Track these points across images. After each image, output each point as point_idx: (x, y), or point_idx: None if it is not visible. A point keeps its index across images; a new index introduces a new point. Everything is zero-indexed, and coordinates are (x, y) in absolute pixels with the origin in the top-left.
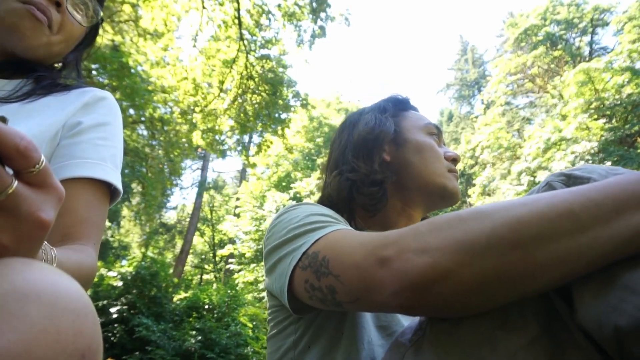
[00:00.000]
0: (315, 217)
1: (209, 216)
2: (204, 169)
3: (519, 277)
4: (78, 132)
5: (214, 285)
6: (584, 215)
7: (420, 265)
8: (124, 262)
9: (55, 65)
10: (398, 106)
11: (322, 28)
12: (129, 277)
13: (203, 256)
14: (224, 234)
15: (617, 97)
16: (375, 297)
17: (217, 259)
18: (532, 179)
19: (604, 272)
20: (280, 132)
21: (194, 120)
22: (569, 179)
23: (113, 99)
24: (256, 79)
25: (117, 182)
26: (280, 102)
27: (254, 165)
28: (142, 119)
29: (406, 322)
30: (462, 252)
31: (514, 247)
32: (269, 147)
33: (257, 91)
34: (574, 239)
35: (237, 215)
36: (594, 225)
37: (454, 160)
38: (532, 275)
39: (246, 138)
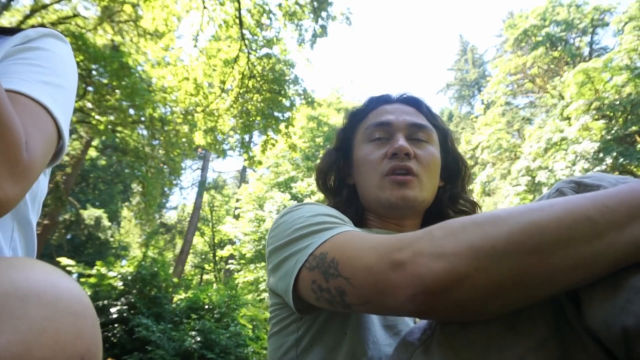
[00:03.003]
0: (321, 217)
1: (209, 216)
2: (204, 169)
3: (535, 282)
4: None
5: (214, 286)
6: (600, 221)
7: (436, 270)
8: (124, 262)
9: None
10: (354, 119)
11: (323, 27)
12: (129, 277)
13: (203, 256)
14: (224, 235)
15: (616, 97)
16: (387, 301)
17: (217, 259)
18: (531, 179)
19: (612, 275)
20: (284, 130)
21: (195, 121)
22: (579, 186)
23: (62, 40)
24: (258, 78)
25: (30, 91)
26: (283, 100)
27: (259, 164)
28: (142, 119)
29: (411, 321)
30: (478, 257)
31: (530, 252)
32: (273, 145)
33: (260, 90)
34: (590, 245)
35: (237, 217)
36: (609, 231)
37: (394, 155)
38: (547, 280)
39: (247, 137)
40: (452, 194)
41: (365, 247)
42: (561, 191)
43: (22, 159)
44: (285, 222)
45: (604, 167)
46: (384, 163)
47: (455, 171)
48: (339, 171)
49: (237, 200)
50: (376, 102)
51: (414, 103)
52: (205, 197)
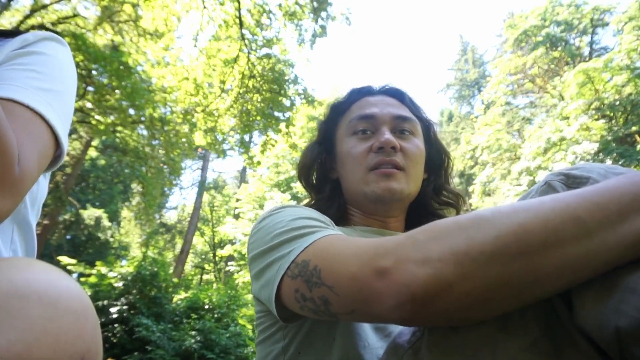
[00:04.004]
0: (302, 221)
1: (209, 216)
2: (204, 169)
3: (524, 286)
4: None
5: (214, 286)
6: (590, 220)
7: (422, 277)
8: (124, 262)
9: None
10: (336, 111)
11: (323, 27)
12: (129, 277)
13: (203, 256)
14: (224, 235)
15: (617, 97)
16: (373, 309)
17: (217, 259)
18: (531, 178)
19: (604, 275)
20: (285, 130)
21: (194, 121)
22: (568, 179)
23: (60, 43)
24: (258, 78)
25: (26, 99)
26: (283, 99)
27: (258, 164)
28: (142, 119)
29: None
30: (465, 262)
31: (518, 255)
32: (273, 145)
33: (260, 90)
34: (580, 245)
35: (237, 217)
36: (599, 230)
37: (380, 148)
38: (537, 283)
39: (247, 137)
40: (436, 185)
41: (348, 253)
42: (550, 184)
43: (14, 174)
44: (265, 227)
45: None
46: (369, 157)
47: (438, 162)
48: (321, 165)
49: (238, 200)
50: (358, 94)
51: (396, 94)
52: (205, 197)
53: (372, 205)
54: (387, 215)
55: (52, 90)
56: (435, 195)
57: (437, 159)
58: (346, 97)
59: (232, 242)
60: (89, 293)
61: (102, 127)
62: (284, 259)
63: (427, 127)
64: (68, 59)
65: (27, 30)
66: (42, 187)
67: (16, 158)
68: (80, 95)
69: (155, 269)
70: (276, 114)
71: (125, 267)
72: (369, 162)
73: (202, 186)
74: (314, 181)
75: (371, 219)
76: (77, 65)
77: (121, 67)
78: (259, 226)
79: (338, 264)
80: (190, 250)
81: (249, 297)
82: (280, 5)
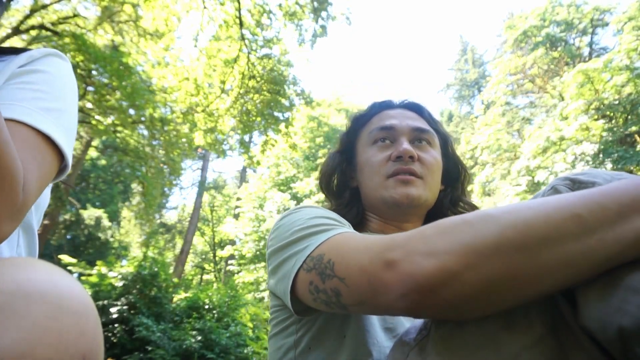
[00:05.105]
0: (320, 219)
1: (209, 216)
2: (204, 169)
3: (526, 280)
4: (4, 82)
5: (214, 286)
6: (590, 218)
7: (427, 268)
8: (124, 262)
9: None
10: (357, 123)
11: (323, 27)
12: (130, 277)
13: (203, 256)
14: (224, 235)
15: (616, 97)
16: (381, 300)
17: (217, 259)
18: (530, 178)
19: (608, 274)
20: (284, 130)
21: (195, 121)
22: (574, 184)
23: (63, 59)
24: (258, 78)
25: (33, 121)
26: (283, 100)
27: (258, 164)
28: (142, 119)
29: (409, 324)
30: (469, 254)
31: (520, 249)
32: (273, 145)
33: (260, 90)
34: (579, 242)
35: (237, 217)
36: (599, 228)
37: (398, 157)
38: (538, 278)
39: (247, 137)
40: (453, 197)
41: (360, 247)
42: (556, 188)
43: (19, 201)
44: (284, 225)
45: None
46: (388, 165)
47: (455, 175)
48: (342, 174)
49: (239, 199)
50: (379, 107)
51: (415, 108)
52: (205, 197)
53: (390, 211)
54: (404, 221)
55: (58, 109)
56: (451, 206)
57: (454, 171)
58: (367, 110)
59: (232, 242)
60: (89, 293)
61: (102, 127)
62: (301, 254)
63: (445, 141)
64: (70, 75)
65: (27, 31)
66: (45, 194)
67: (21, 185)
68: (80, 95)
69: (156, 269)
70: (276, 114)
71: (126, 267)
72: (388, 170)
73: (202, 186)
74: (334, 188)
75: (388, 224)
76: (77, 65)
77: (121, 67)
78: (278, 224)
79: (350, 257)
80: (190, 250)
81: (249, 297)
82: (280, 5)
